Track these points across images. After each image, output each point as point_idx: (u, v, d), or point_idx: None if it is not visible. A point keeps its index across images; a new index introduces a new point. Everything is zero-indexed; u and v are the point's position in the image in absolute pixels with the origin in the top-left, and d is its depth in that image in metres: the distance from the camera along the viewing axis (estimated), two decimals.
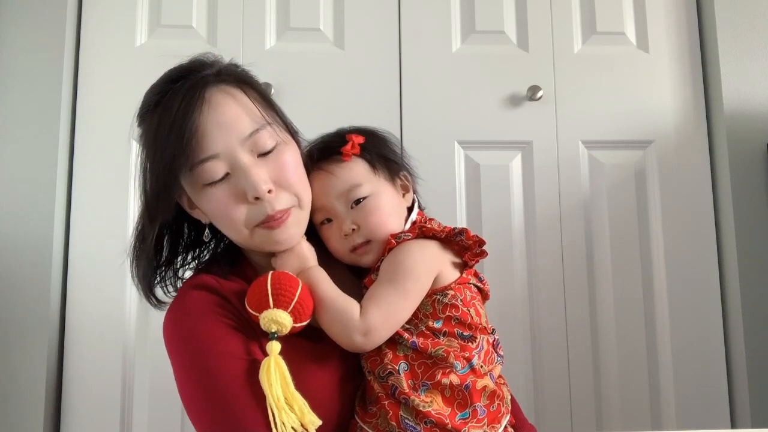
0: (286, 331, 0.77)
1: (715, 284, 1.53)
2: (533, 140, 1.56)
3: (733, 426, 1.47)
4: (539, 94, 1.54)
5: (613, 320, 1.51)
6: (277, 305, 0.76)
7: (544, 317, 1.50)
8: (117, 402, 1.42)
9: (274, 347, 0.76)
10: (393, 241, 0.85)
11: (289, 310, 0.77)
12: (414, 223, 0.88)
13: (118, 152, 1.49)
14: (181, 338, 0.82)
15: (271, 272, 0.80)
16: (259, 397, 0.76)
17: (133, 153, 1.49)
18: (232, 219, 0.80)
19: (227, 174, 0.80)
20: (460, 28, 1.60)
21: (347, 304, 0.81)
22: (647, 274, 1.53)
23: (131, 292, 1.46)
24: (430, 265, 0.84)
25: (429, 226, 0.87)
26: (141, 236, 0.85)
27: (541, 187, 1.54)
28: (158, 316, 1.46)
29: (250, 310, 0.78)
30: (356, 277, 0.93)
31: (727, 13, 1.56)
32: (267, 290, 0.77)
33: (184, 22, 1.55)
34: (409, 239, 0.85)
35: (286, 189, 0.81)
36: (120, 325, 1.45)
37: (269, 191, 0.79)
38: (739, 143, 1.51)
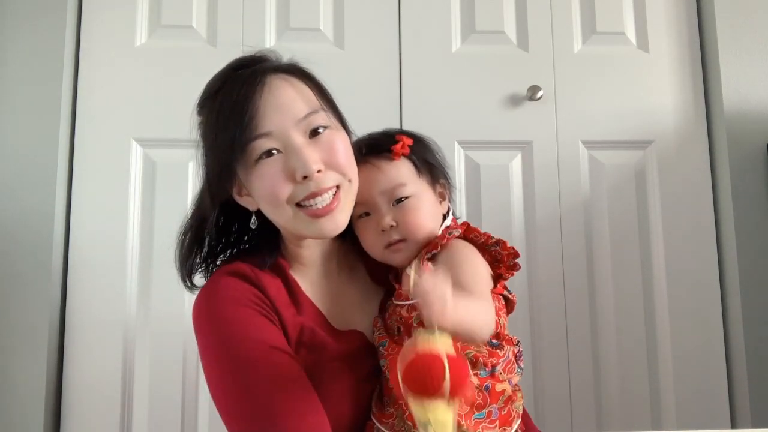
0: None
1: (715, 284, 1.53)
2: (533, 140, 1.56)
3: (733, 426, 1.47)
4: (539, 94, 1.54)
5: (613, 320, 1.51)
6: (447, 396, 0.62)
7: (544, 317, 1.50)
8: (117, 402, 1.42)
9: None
10: (446, 235, 0.86)
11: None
12: (448, 227, 0.90)
13: (118, 152, 1.49)
14: (212, 322, 0.83)
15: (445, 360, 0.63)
16: (290, 388, 0.77)
17: (133, 153, 1.50)
18: (277, 195, 0.81)
19: (279, 152, 0.81)
20: (460, 28, 1.60)
21: (486, 306, 0.78)
22: (647, 274, 1.53)
23: (131, 291, 1.46)
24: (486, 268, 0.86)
25: (474, 228, 0.88)
26: (199, 219, 0.87)
27: (541, 187, 1.54)
28: (158, 317, 1.47)
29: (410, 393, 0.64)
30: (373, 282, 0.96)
31: (727, 13, 1.56)
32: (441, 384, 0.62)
33: (184, 22, 1.55)
34: (458, 236, 0.86)
35: (335, 170, 0.83)
36: (120, 325, 1.45)
37: (318, 171, 0.81)
38: (739, 143, 1.51)
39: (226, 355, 0.80)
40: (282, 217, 0.84)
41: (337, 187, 0.83)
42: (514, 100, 1.57)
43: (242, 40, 1.54)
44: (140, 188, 1.50)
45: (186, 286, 0.90)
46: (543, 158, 1.55)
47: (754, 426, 1.43)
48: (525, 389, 1.46)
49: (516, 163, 1.56)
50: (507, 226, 1.53)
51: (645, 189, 1.57)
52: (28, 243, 1.41)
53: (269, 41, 1.56)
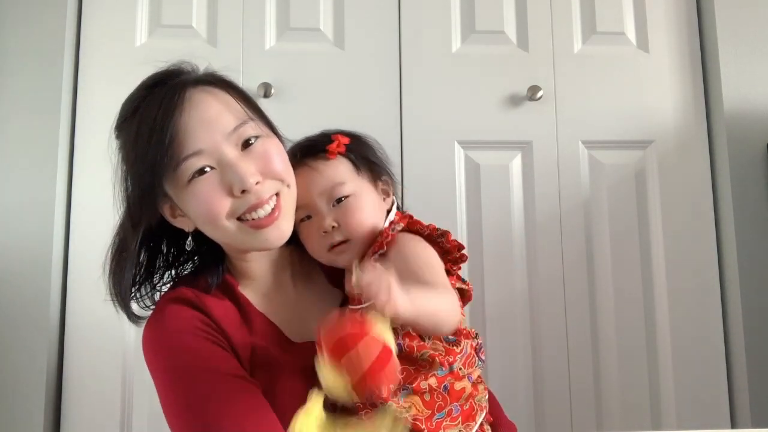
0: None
1: (715, 284, 1.53)
2: (533, 140, 1.56)
3: (733, 426, 1.47)
4: (539, 94, 1.54)
5: (613, 320, 1.51)
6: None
7: (544, 317, 1.50)
8: (117, 402, 1.42)
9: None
10: (389, 232, 0.84)
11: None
12: (391, 222, 0.88)
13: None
14: (159, 354, 0.80)
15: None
16: (244, 414, 0.75)
17: None
18: (216, 212, 0.78)
19: (212, 169, 0.78)
20: (460, 28, 1.60)
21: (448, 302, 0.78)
22: (647, 274, 1.53)
23: None
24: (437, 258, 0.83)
25: (416, 219, 0.87)
26: (122, 245, 0.83)
27: (541, 187, 1.54)
28: None
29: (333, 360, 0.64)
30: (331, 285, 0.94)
31: (727, 13, 1.56)
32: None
33: (184, 22, 1.55)
34: (401, 230, 0.85)
35: (273, 178, 0.81)
36: (120, 324, 1.44)
37: (257, 183, 0.78)
38: (739, 143, 1.51)
39: (176, 388, 0.78)
40: (224, 234, 0.80)
41: (277, 194, 0.81)
42: (514, 100, 1.57)
43: (242, 40, 1.54)
44: None
45: (129, 318, 0.86)
46: (543, 158, 1.55)
47: (754, 426, 1.43)
48: (525, 389, 1.47)
49: (516, 163, 1.56)
50: (507, 226, 1.53)
51: (645, 189, 1.57)
52: (27, 243, 1.41)
53: (269, 41, 1.56)
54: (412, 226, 0.86)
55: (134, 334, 1.45)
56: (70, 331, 1.44)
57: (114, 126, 0.84)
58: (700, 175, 1.56)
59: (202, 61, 0.88)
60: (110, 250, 0.85)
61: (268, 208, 0.79)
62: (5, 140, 1.44)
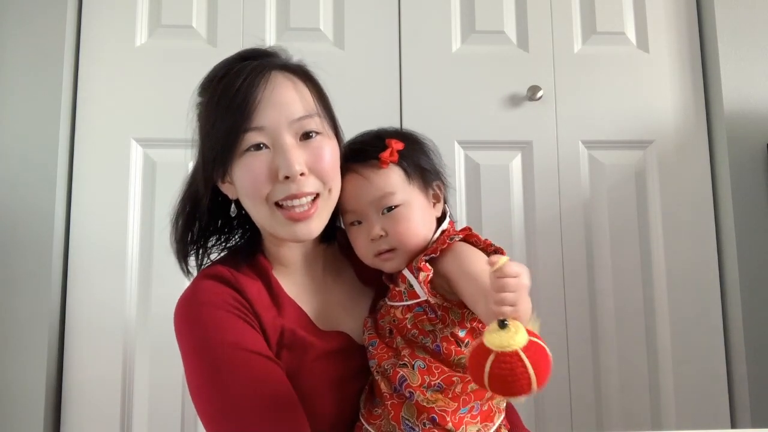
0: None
1: (715, 284, 1.53)
2: (533, 140, 1.56)
3: (733, 426, 1.47)
4: (539, 94, 1.54)
5: (613, 320, 1.51)
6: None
7: (544, 317, 1.48)
8: (117, 402, 1.42)
9: None
10: (446, 240, 0.84)
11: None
12: (444, 232, 0.88)
13: (118, 152, 1.49)
14: (190, 326, 0.83)
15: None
16: (266, 392, 0.77)
17: (133, 153, 1.50)
18: (258, 191, 0.82)
19: (267, 147, 0.82)
20: (460, 28, 1.60)
21: None
22: (647, 274, 1.53)
23: (131, 291, 1.46)
24: None
25: (474, 233, 0.86)
26: (192, 201, 0.88)
27: (541, 187, 1.54)
28: (157, 316, 1.47)
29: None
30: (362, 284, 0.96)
31: (727, 13, 1.56)
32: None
33: (184, 22, 1.55)
34: (460, 240, 0.85)
35: (317, 176, 0.83)
36: (120, 324, 1.45)
37: (302, 174, 0.81)
38: (739, 143, 1.51)
39: (204, 359, 0.81)
40: (259, 213, 0.84)
41: (317, 195, 0.84)
42: (514, 100, 1.57)
43: (242, 41, 1.54)
44: (140, 188, 1.50)
45: (183, 271, 0.91)
46: (543, 158, 1.55)
47: (754, 426, 1.43)
48: None
49: (516, 163, 1.56)
50: (507, 226, 1.53)
51: (645, 189, 1.57)
52: (28, 243, 1.41)
53: (269, 41, 1.56)
54: (470, 238, 0.85)
55: (134, 333, 1.45)
56: (70, 331, 1.44)
57: (200, 83, 0.89)
58: (700, 175, 1.56)
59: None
60: (179, 206, 0.90)
61: (304, 201, 0.83)
62: (5, 139, 1.44)
